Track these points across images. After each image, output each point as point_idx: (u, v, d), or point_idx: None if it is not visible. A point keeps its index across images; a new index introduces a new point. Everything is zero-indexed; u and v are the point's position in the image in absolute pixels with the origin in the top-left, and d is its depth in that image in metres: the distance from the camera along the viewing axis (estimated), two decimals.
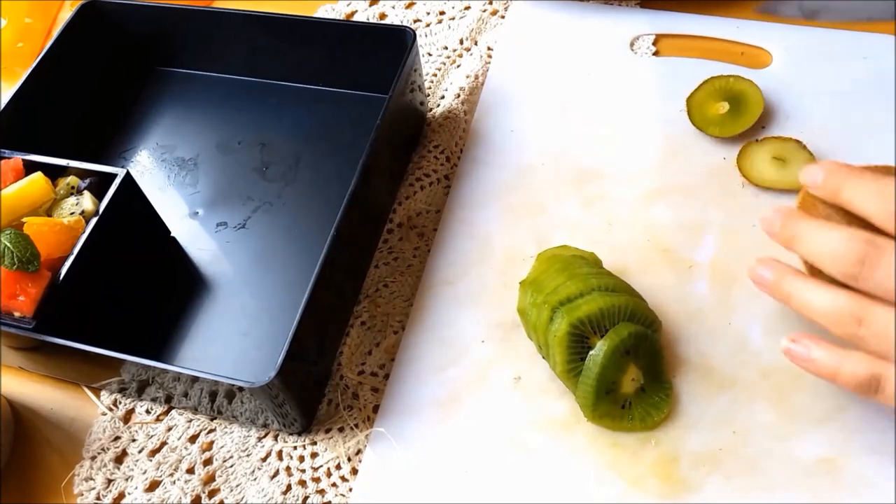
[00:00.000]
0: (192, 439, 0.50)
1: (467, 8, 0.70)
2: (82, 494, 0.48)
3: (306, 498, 0.47)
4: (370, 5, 0.71)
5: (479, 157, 0.59)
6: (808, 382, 0.46)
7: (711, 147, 0.57)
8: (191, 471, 0.49)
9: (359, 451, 0.48)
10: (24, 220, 0.49)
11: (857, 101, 0.58)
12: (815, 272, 0.43)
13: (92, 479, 0.49)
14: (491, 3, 0.69)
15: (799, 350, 0.41)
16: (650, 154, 0.57)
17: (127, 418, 0.51)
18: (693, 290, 0.51)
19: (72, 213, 0.51)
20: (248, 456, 0.49)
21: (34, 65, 0.60)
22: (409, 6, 0.71)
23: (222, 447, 0.49)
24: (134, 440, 0.50)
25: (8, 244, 0.45)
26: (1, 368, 0.54)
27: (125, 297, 0.54)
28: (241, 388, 0.44)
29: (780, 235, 0.43)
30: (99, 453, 0.50)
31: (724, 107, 0.57)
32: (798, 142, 0.55)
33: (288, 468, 0.48)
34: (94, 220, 0.50)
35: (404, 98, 0.57)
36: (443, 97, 0.65)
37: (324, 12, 0.71)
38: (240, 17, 0.61)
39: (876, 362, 0.38)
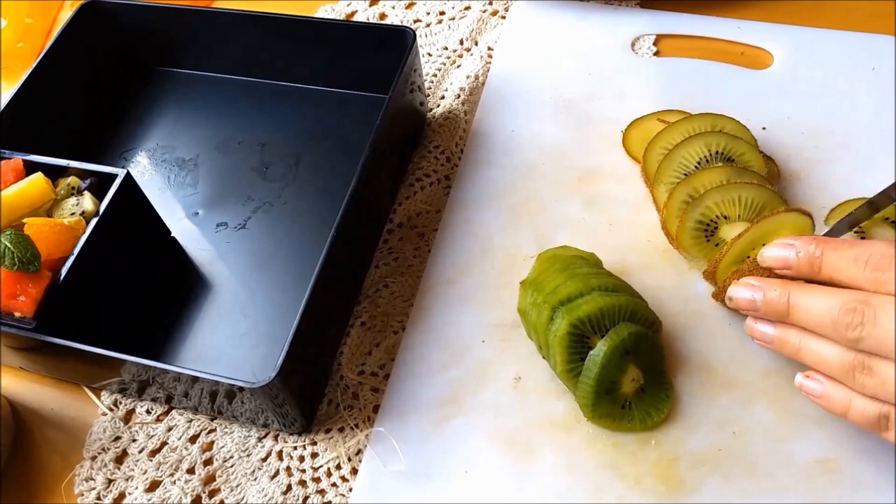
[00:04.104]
0: (193, 439, 0.50)
1: (467, 8, 0.70)
2: (83, 494, 0.48)
3: (306, 498, 0.47)
4: (370, 5, 0.71)
5: (479, 157, 0.59)
6: None
7: None
8: (191, 471, 0.49)
9: (359, 451, 0.48)
10: (25, 220, 0.49)
11: (857, 101, 0.58)
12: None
13: (92, 479, 0.49)
14: (491, 3, 0.69)
15: (812, 386, 0.42)
16: None
17: (127, 418, 0.51)
18: (693, 291, 0.51)
19: (72, 214, 0.51)
20: (248, 456, 0.49)
21: (34, 65, 0.60)
22: (409, 6, 0.71)
23: (222, 447, 0.49)
24: (134, 440, 0.50)
25: (8, 244, 0.45)
26: (1, 368, 0.54)
27: (125, 298, 0.54)
28: (241, 388, 0.44)
29: (770, 307, 0.42)
30: (99, 453, 0.50)
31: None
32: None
33: (288, 468, 0.48)
34: (94, 221, 0.50)
35: (404, 98, 0.57)
36: (443, 97, 0.64)
37: (324, 12, 0.71)
38: (240, 17, 0.62)
39: (885, 403, 0.39)
